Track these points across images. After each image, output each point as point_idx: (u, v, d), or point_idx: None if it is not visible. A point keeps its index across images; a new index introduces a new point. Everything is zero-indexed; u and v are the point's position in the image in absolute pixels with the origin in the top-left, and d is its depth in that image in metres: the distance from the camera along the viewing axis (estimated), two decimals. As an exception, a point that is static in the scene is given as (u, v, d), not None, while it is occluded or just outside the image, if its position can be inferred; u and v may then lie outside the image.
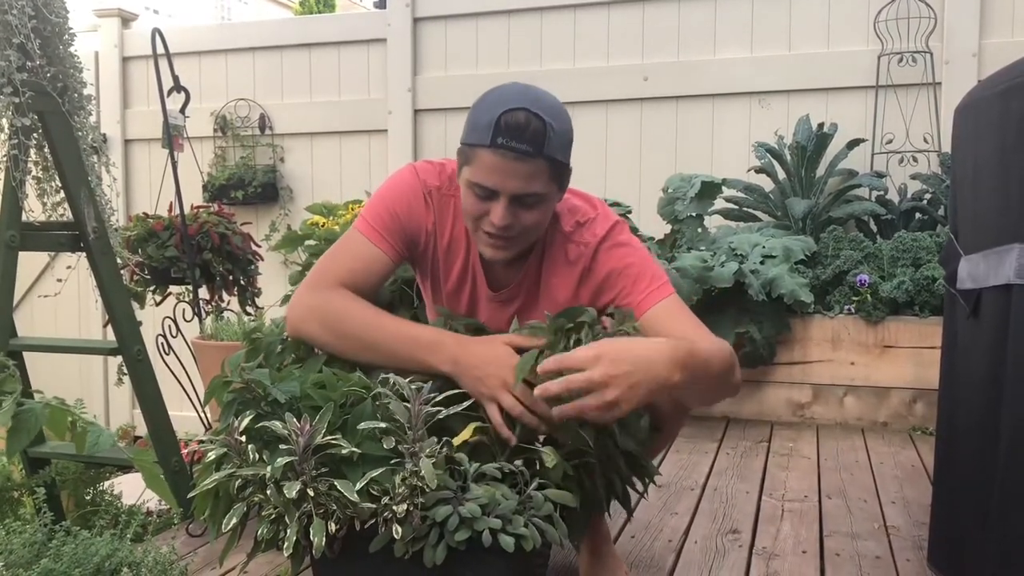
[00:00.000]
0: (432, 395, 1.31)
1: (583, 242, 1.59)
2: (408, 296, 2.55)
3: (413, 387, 1.30)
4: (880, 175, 3.74)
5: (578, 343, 1.37)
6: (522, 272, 1.63)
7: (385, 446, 1.27)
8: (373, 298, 1.58)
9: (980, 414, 1.61)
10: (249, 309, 3.01)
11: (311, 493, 1.23)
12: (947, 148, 3.64)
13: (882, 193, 3.73)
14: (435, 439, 1.30)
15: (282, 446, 1.26)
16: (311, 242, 3.03)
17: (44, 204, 2.21)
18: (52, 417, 1.91)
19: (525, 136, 1.39)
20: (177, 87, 2.91)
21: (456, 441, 1.33)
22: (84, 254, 2.26)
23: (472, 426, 1.35)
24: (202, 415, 2.57)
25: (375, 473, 1.24)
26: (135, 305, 2.62)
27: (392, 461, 1.27)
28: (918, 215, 3.67)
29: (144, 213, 2.96)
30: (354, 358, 1.49)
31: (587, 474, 1.40)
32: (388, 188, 1.63)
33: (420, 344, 1.46)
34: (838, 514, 2.31)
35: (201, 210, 2.96)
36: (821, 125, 3.80)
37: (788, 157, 3.82)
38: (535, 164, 1.42)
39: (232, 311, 2.96)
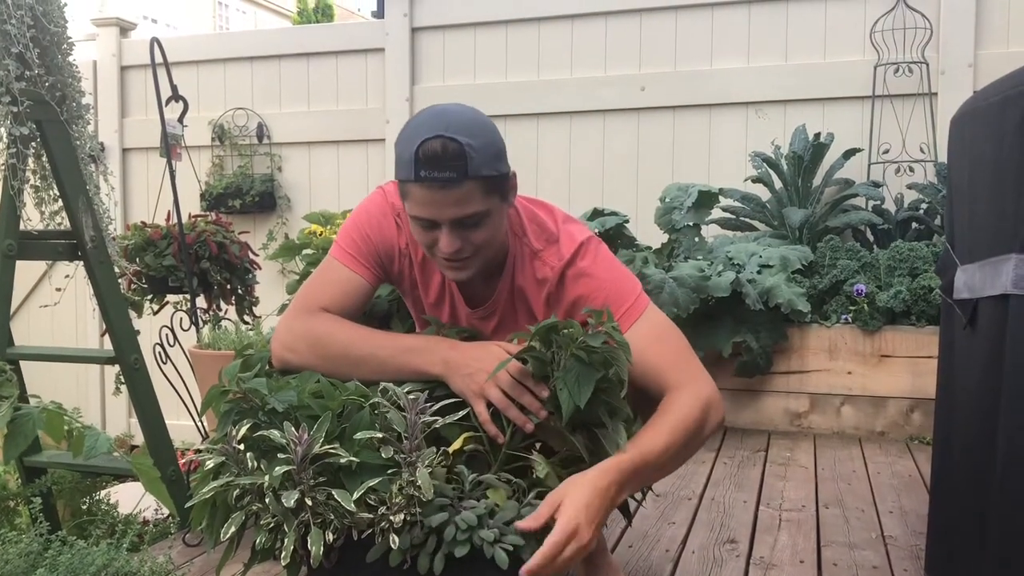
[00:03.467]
0: (428, 404, 1.31)
1: (549, 264, 1.59)
2: (405, 306, 2.55)
3: (410, 397, 1.30)
4: (876, 185, 3.75)
5: (559, 352, 1.37)
6: (497, 288, 1.64)
7: (384, 455, 1.27)
8: (357, 322, 1.59)
9: (977, 423, 1.61)
10: (247, 318, 3.01)
11: (309, 502, 1.23)
12: (943, 158, 3.65)
13: (879, 203, 3.74)
14: (433, 449, 1.30)
15: (280, 455, 1.26)
16: (309, 251, 3.04)
17: (42, 213, 2.22)
18: (49, 421, 1.91)
19: (445, 163, 1.39)
20: (175, 96, 2.91)
21: (449, 451, 1.33)
22: (82, 263, 2.26)
23: (464, 435, 1.35)
24: (199, 424, 2.56)
25: (373, 482, 1.24)
26: (132, 314, 2.62)
27: (389, 471, 1.27)
28: (915, 225, 3.68)
29: (142, 222, 2.96)
30: (345, 377, 1.48)
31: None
32: (359, 213, 1.65)
33: (409, 350, 1.48)
34: (835, 524, 2.31)
35: (199, 219, 2.96)
36: (817, 135, 3.81)
37: (785, 167, 3.83)
38: (462, 188, 1.41)
39: (230, 320, 2.95)
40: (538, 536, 1.30)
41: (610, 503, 1.33)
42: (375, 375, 1.46)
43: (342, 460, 1.25)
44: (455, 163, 1.39)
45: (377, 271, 1.63)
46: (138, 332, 2.35)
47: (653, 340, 1.53)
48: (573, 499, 1.29)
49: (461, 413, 1.30)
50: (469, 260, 1.50)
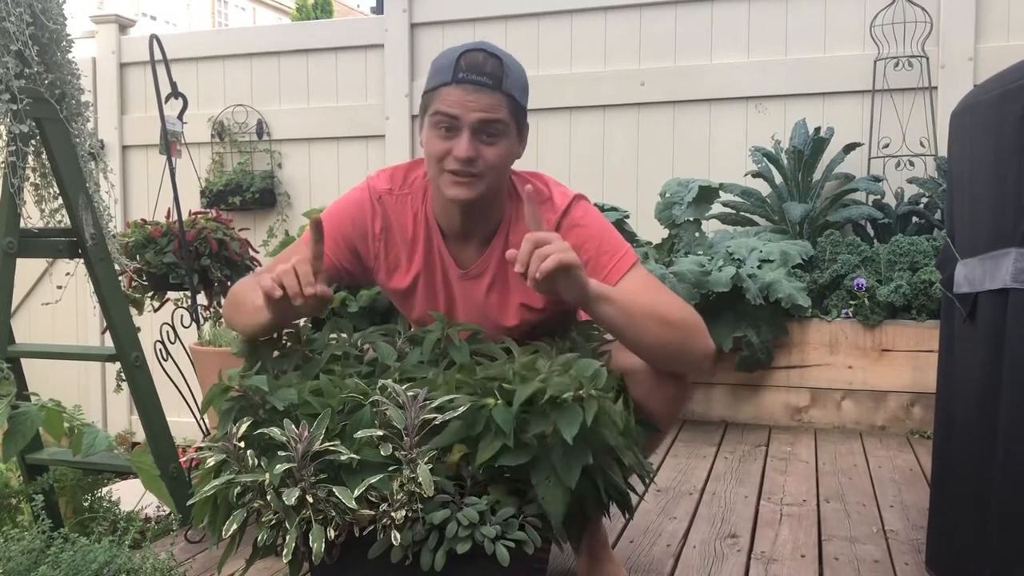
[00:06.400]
0: (428, 401, 1.31)
1: (545, 219, 1.64)
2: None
3: (410, 394, 1.30)
4: (877, 179, 3.75)
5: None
6: (488, 249, 1.69)
7: (383, 453, 1.28)
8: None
9: (977, 417, 1.61)
10: (247, 315, 3.01)
11: (310, 500, 1.24)
12: (944, 152, 3.65)
13: (879, 197, 3.74)
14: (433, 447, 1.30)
15: (281, 452, 1.26)
16: (309, 248, 3.03)
17: (42, 211, 2.22)
18: (48, 419, 1.91)
19: (485, 70, 1.52)
20: (175, 93, 2.90)
21: (448, 462, 1.33)
22: (82, 260, 2.26)
23: (461, 447, 1.34)
24: (200, 421, 2.57)
25: (374, 479, 1.24)
26: (133, 311, 2.62)
27: (390, 468, 1.27)
28: (915, 219, 3.68)
29: (142, 219, 2.96)
30: (238, 322, 1.60)
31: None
32: (338, 201, 1.76)
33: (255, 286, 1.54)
34: (836, 518, 2.31)
35: (199, 216, 2.96)
36: (818, 129, 3.80)
37: (785, 161, 3.83)
38: (495, 96, 1.53)
39: (230, 317, 2.95)
40: (542, 532, 1.31)
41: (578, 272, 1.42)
42: (248, 315, 1.55)
43: (343, 458, 1.25)
44: (494, 73, 1.53)
45: (337, 256, 1.69)
46: (139, 329, 2.35)
47: (646, 287, 1.60)
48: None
49: (461, 410, 1.31)
50: (476, 179, 1.56)
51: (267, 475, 1.24)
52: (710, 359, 1.58)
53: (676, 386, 1.62)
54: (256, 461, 1.29)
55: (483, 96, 1.52)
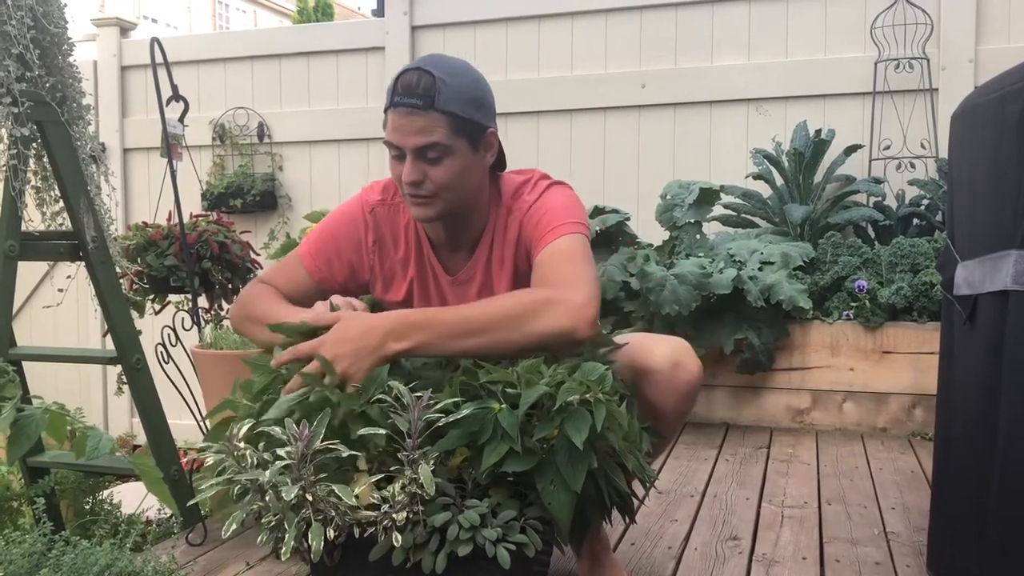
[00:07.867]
0: (432, 402, 1.31)
1: (518, 210, 1.67)
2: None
3: (414, 395, 1.31)
4: (878, 181, 3.75)
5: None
6: (475, 255, 1.71)
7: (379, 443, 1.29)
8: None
9: (977, 419, 1.61)
10: (248, 317, 3.00)
11: (309, 498, 1.23)
12: (944, 154, 3.64)
13: (880, 199, 3.74)
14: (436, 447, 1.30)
15: (280, 450, 1.26)
16: (310, 250, 3.03)
17: (43, 214, 2.22)
18: (52, 423, 1.91)
19: (416, 92, 1.51)
20: (176, 96, 2.91)
21: (449, 466, 1.33)
22: (83, 263, 2.26)
23: (464, 450, 1.34)
24: (201, 424, 2.56)
25: (376, 478, 1.24)
26: (134, 314, 2.62)
27: (392, 468, 1.27)
28: (916, 221, 3.68)
29: (143, 222, 2.95)
30: (255, 337, 1.62)
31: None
32: (333, 214, 1.79)
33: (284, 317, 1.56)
34: (838, 520, 2.31)
35: (200, 219, 2.96)
36: (818, 131, 3.81)
37: (786, 163, 3.83)
38: (428, 117, 1.51)
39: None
40: (543, 535, 1.31)
41: (374, 343, 1.39)
42: (267, 335, 1.54)
43: (344, 454, 1.25)
44: (425, 93, 1.51)
45: (324, 272, 1.73)
46: (140, 332, 2.35)
47: (560, 256, 1.56)
48: (337, 328, 1.41)
49: (464, 412, 1.31)
50: (430, 200, 1.57)
51: (267, 472, 1.24)
52: (563, 329, 1.43)
53: (688, 386, 1.65)
54: (254, 460, 1.29)
55: (416, 120, 1.51)
